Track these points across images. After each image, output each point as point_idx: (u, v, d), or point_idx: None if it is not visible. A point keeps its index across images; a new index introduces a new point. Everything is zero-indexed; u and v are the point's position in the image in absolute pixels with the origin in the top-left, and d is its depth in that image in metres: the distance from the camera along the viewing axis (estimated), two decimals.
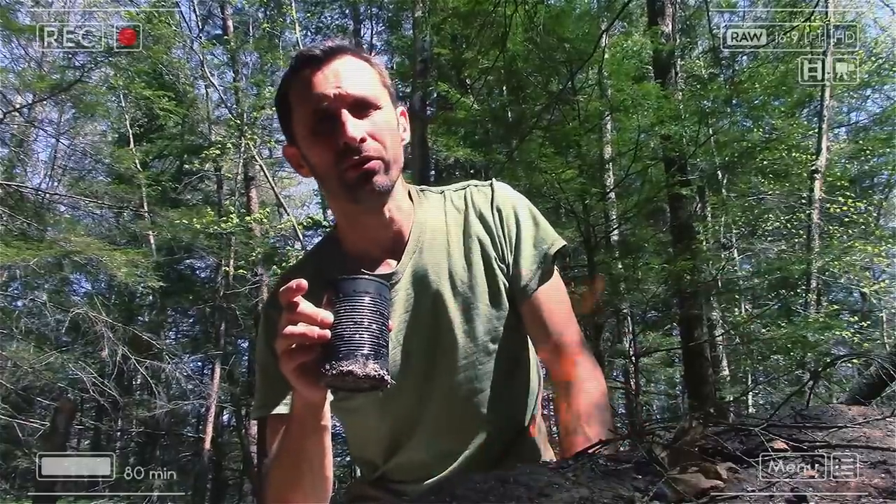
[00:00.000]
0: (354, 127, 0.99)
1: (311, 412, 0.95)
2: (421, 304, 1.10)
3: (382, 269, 1.10)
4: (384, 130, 1.02)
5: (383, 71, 1.09)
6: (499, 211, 1.14)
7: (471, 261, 1.12)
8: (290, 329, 0.81)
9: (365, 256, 1.11)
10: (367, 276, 0.83)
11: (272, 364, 0.93)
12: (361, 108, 1.01)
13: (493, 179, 1.19)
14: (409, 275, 1.10)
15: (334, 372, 0.78)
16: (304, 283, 0.81)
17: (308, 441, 0.98)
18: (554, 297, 1.14)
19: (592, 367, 1.13)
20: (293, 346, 0.81)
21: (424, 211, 1.15)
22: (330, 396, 1.08)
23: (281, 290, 0.82)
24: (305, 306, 0.81)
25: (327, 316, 0.80)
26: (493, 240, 1.13)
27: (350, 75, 1.02)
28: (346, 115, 0.99)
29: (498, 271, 1.12)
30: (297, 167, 1.10)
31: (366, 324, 0.80)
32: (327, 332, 0.80)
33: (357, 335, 0.79)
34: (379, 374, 0.79)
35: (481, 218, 1.14)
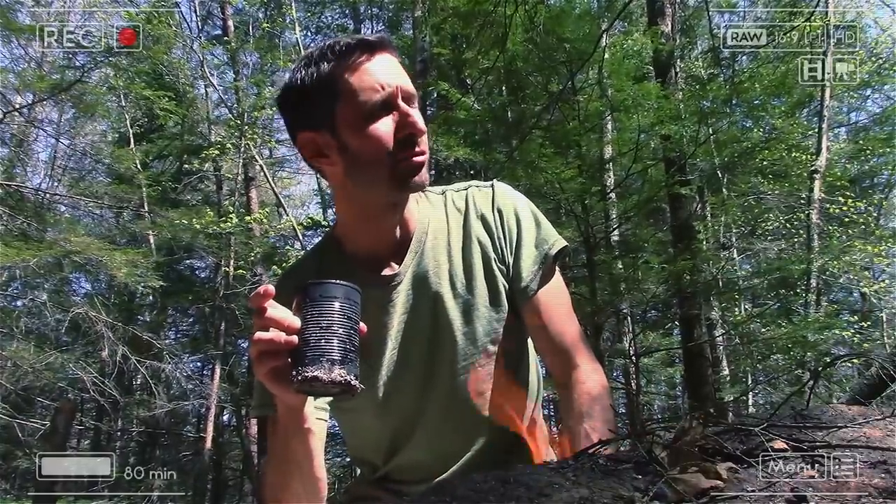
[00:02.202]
0: (421, 120, 1.02)
1: (291, 415, 0.95)
2: (421, 306, 1.10)
3: (386, 271, 1.10)
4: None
5: None
6: (500, 212, 1.14)
7: (471, 262, 1.12)
8: (259, 335, 0.81)
9: (367, 257, 1.11)
10: (337, 281, 0.82)
11: None
12: (412, 102, 1.04)
13: (495, 180, 1.19)
14: (410, 276, 1.10)
15: (300, 378, 0.77)
16: (271, 288, 0.81)
17: (293, 442, 0.98)
18: (554, 298, 1.14)
19: (593, 367, 1.13)
20: (264, 351, 0.81)
21: (426, 212, 1.15)
22: (328, 398, 1.09)
23: (251, 295, 0.82)
24: (273, 311, 0.81)
25: (295, 321, 0.80)
26: (493, 241, 1.13)
27: (402, 70, 1.05)
28: (414, 108, 1.02)
29: (498, 273, 1.12)
30: (313, 155, 1.05)
31: (333, 329, 0.79)
32: (294, 338, 0.79)
33: (323, 340, 0.78)
34: (345, 380, 0.78)
35: (482, 219, 1.14)
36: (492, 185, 1.18)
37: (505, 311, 1.12)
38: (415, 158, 1.02)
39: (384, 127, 1.00)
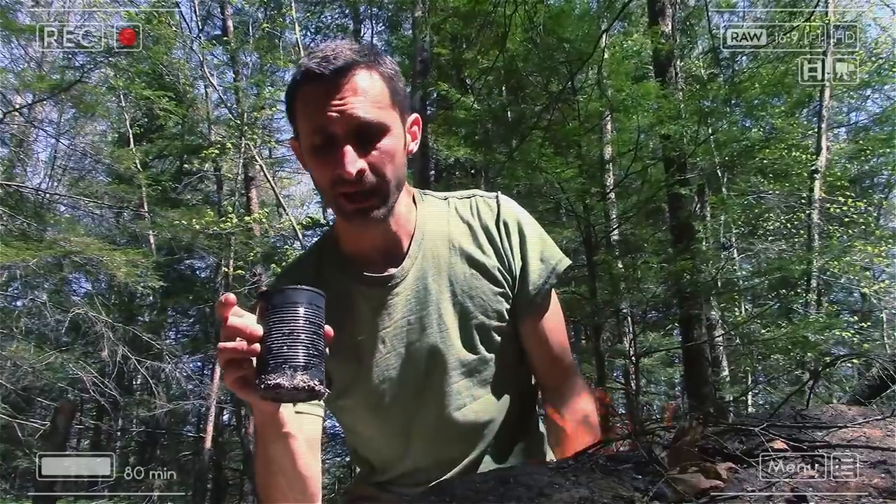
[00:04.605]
0: (352, 162, 0.95)
1: (266, 419, 0.95)
2: (419, 310, 1.10)
3: (384, 273, 1.10)
4: (386, 159, 0.98)
5: (395, 78, 1.03)
6: (505, 225, 1.14)
7: (472, 271, 1.12)
8: (222, 344, 0.81)
9: (364, 259, 1.11)
10: (298, 287, 0.82)
11: None
12: (365, 134, 0.97)
13: (499, 193, 1.18)
14: (410, 280, 1.10)
15: (263, 385, 0.78)
16: (232, 297, 0.81)
17: (273, 447, 0.98)
18: (556, 314, 1.17)
19: (586, 390, 1.17)
20: (229, 360, 0.81)
21: (427, 217, 1.14)
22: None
23: (216, 304, 0.83)
24: (236, 320, 0.81)
25: (257, 329, 0.80)
26: (497, 252, 1.13)
27: (357, 97, 0.96)
28: (346, 147, 0.95)
29: (500, 282, 1.12)
30: (300, 159, 1.09)
31: (296, 335, 0.79)
32: (256, 346, 0.79)
33: (285, 347, 0.78)
34: (308, 385, 0.78)
35: (486, 230, 1.14)
36: (496, 198, 1.17)
37: (505, 321, 1.13)
38: (350, 202, 0.98)
39: (324, 161, 0.98)
